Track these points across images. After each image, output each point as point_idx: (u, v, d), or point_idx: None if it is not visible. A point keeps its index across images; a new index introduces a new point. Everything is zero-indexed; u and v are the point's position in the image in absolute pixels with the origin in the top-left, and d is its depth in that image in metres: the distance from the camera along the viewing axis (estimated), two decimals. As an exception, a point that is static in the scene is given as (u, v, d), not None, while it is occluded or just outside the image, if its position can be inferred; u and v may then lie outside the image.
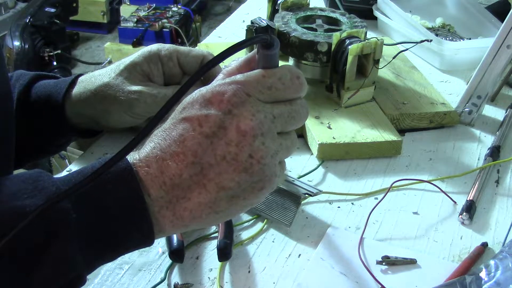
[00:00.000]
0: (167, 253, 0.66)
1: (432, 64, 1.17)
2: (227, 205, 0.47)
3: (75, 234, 0.43)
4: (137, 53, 0.79)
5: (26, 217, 0.40)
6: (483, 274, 0.62)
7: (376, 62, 0.92)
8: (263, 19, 0.89)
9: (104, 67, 0.81)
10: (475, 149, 0.91)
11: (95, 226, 0.45)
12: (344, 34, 0.91)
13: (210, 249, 0.68)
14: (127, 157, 0.46)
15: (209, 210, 0.47)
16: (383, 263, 0.67)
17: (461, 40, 1.23)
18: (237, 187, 0.46)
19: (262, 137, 0.46)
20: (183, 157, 0.45)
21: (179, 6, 3.51)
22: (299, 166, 0.84)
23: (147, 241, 0.48)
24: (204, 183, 0.46)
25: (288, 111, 0.48)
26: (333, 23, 1.02)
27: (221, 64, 0.51)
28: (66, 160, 1.88)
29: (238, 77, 0.48)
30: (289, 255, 0.69)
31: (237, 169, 0.45)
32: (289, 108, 0.48)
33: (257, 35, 0.47)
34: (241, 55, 0.52)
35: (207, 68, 0.45)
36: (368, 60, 0.91)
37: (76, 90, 0.77)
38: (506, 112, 0.99)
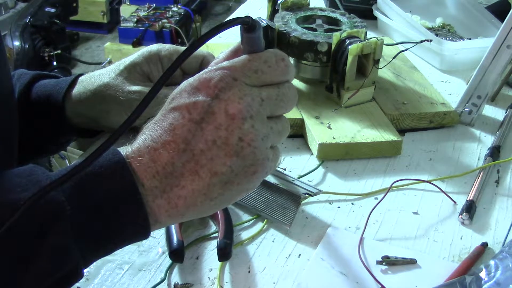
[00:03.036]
0: (167, 253, 0.66)
1: (432, 64, 1.17)
2: (221, 191, 0.47)
3: (70, 226, 0.43)
4: (137, 53, 0.79)
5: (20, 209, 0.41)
6: (483, 274, 0.62)
7: (376, 62, 0.92)
8: (263, 19, 0.89)
9: (104, 67, 0.81)
10: (475, 149, 0.91)
11: (90, 218, 0.45)
12: (344, 34, 0.91)
13: (210, 249, 0.68)
14: (120, 151, 0.46)
15: (204, 197, 0.47)
16: (383, 263, 0.67)
17: (461, 40, 1.23)
18: (230, 171, 0.46)
19: (251, 120, 0.46)
20: (174, 145, 0.46)
21: (179, 6, 3.51)
22: (299, 166, 0.84)
23: (143, 233, 0.47)
24: (197, 170, 0.46)
25: (276, 94, 0.48)
26: (333, 23, 1.02)
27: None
28: (66, 160, 1.88)
29: (224, 63, 0.48)
30: (289, 255, 0.69)
31: (229, 153, 0.46)
32: (277, 91, 0.49)
33: (238, 17, 0.47)
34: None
35: (194, 47, 0.46)
36: (368, 60, 0.91)
37: (76, 90, 0.77)
38: (506, 112, 0.99)
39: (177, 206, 0.46)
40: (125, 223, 0.46)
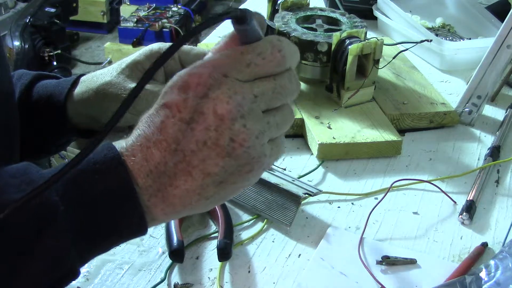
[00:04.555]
0: (167, 253, 0.66)
1: (432, 64, 1.17)
2: (216, 190, 0.46)
3: (64, 226, 0.43)
4: (138, 52, 0.79)
5: (13, 211, 0.40)
6: (483, 274, 0.62)
7: (376, 62, 0.92)
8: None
9: (104, 67, 0.81)
10: (475, 149, 0.91)
11: (85, 217, 0.44)
12: (344, 34, 0.91)
13: (210, 249, 0.68)
14: (116, 146, 0.46)
15: (198, 196, 0.46)
16: (383, 263, 0.67)
17: (461, 40, 1.23)
18: (223, 172, 0.45)
19: (242, 120, 0.44)
20: (166, 144, 0.45)
21: (179, 6, 3.51)
22: (299, 166, 0.84)
23: (140, 230, 0.47)
24: (189, 170, 0.45)
25: (272, 88, 0.46)
26: (333, 23, 1.02)
27: None
28: (66, 160, 1.88)
29: (216, 57, 0.46)
30: (289, 255, 0.69)
31: (220, 154, 0.44)
32: (273, 84, 0.46)
33: (227, 10, 0.45)
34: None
35: (181, 42, 0.44)
36: (368, 60, 0.91)
37: (78, 89, 0.77)
38: (506, 112, 0.99)
39: (173, 205, 0.46)
40: (121, 220, 0.46)
